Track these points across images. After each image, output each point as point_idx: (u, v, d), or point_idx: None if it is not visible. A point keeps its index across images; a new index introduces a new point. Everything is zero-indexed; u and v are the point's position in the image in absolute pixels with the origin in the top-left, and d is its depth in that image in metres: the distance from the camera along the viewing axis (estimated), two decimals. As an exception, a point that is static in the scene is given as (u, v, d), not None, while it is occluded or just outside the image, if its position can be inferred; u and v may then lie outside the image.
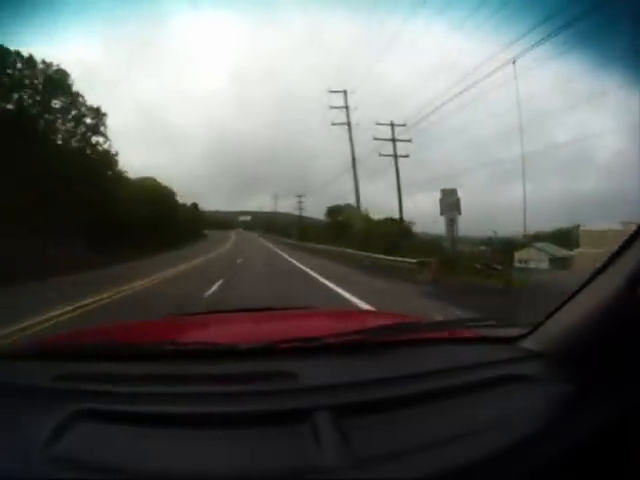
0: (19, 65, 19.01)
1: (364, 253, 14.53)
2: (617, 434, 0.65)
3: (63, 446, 0.62)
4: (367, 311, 4.55)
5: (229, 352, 0.85)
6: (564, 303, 0.80)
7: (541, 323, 0.86)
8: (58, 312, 6.01)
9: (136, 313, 5.38)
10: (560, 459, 0.61)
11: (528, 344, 0.86)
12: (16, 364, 0.95)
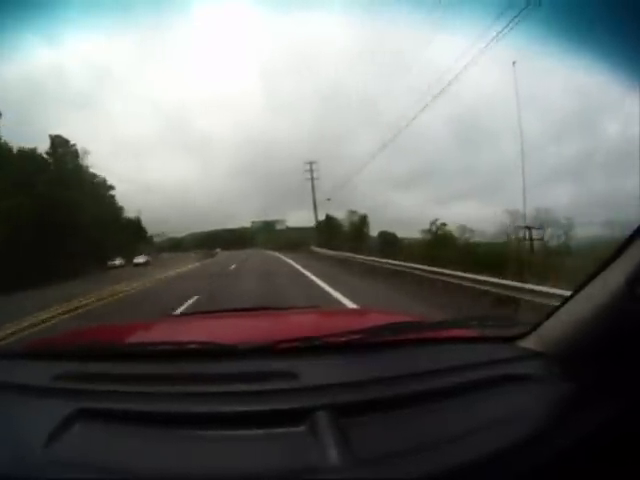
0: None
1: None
2: (617, 433, 0.65)
3: (63, 446, 0.62)
4: (367, 311, 4.55)
5: (229, 352, 0.85)
6: (564, 303, 0.80)
7: (541, 323, 0.86)
8: None
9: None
10: (560, 459, 0.61)
11: (528, 344, 0.86)
12: (16, 364, 0.95)
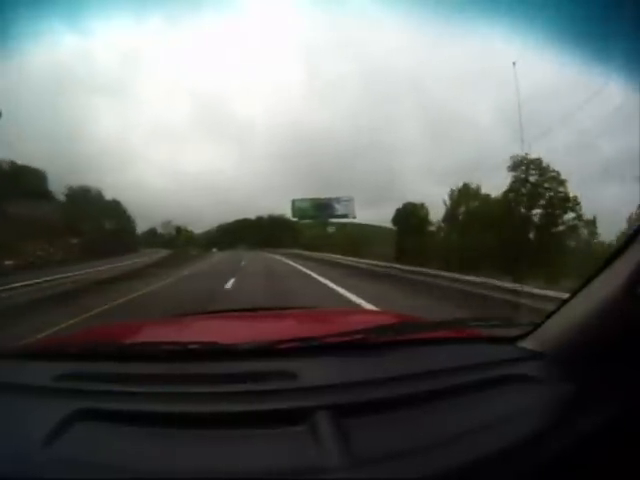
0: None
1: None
2: (617, 434, 0.65)
3: (63, 446, 0.62)
4: (367, 311, 4.55)
5: (229, 352, 0.85)
6: (564, 303, 0.80)
7: (541, 323, 0.86)
8: None
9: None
10: (560, 459, 0.61)
11: (528, 344, 0.86)
12: (16, 364, 0.95)
